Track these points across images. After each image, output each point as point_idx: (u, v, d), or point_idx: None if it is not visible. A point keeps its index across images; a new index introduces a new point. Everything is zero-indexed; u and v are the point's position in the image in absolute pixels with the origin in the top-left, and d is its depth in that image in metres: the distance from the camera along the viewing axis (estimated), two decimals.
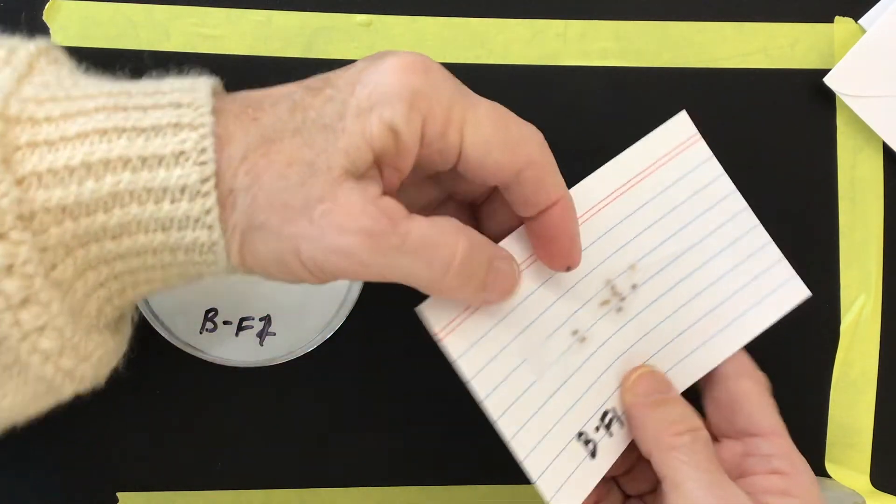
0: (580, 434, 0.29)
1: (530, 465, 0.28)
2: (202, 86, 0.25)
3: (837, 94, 0.37)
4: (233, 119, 0.24)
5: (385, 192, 0.24)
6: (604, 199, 0.30)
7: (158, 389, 0.36)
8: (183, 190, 0.23)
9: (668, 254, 0.31)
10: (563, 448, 0.29)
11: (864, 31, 0.38)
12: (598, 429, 0.30)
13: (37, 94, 0.23)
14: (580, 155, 0.37)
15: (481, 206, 0.30)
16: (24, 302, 0.22)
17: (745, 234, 0.32)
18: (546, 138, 0.38)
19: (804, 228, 0.38)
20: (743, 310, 0.31)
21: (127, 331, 0.28)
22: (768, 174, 0.38)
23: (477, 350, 0.28)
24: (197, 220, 0.23)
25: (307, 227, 0.23)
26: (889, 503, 0.37)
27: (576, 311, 0.29)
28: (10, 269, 0.22)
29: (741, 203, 0.32)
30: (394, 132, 0.23)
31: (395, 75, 0.24)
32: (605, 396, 0.30)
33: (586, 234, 0.29)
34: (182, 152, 0.23)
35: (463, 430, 0.36)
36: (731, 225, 0.31)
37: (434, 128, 0.24)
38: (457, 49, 0.37)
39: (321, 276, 0.24)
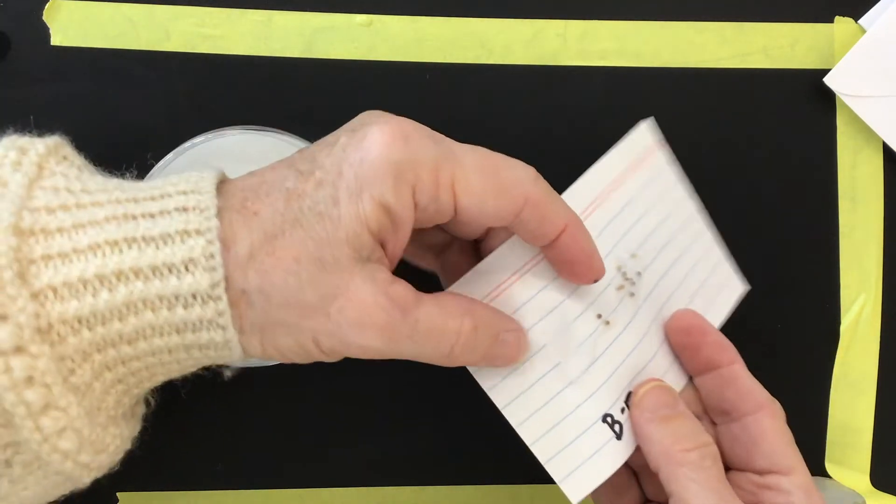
0: (606, 416, 0.30)
1: (538, 451, 0.29)
2: (206, 185, 0.25)
3: (837, 94, 0.37)
4: (235, 216, 0.25)
5: (391, 263, 0.26)
6: (590, 204, 0.31)
7: (158, 389, 0.36)
8: (195, 295, 0.24)
9: (653, 248, 0.32)
10: (585, 431, 0.29)
11: (864, 31, 0.38)
12: (623, 410, 0.30)
13: (48, 202, 0.24)
14: (580, 155, 0.37)
15: (485, 239, 0.31)
16: (45, 408, 0.23)
17: (695, 239, 0.33)
18: (546, 138, 0.38)
19: (804, 228, 0.38)
20: (703, 308, 0.33)
21: (141, 411, 0.29)
22: (768, 174, 0.38)
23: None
24: (210, 322, 0.24)
25: (325, 322, 0.24)
26: (889, 503, 0.37)
27: (598, 296, 0.30)
28: (30, 380, 0.23)
29: (691, 208, 0.33)
30: (386, 209, 0.24)
31: (376, 150, 0.24)
32: (629, 379, 0.30)
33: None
34: (191, 259, 0.24)
35: (463, 430, 0.36)
36: (685, 229, 0.33)
37: (425, 194, 0.25)
38: (457, 49, 0.37)
39: (338, 358, 0.26)
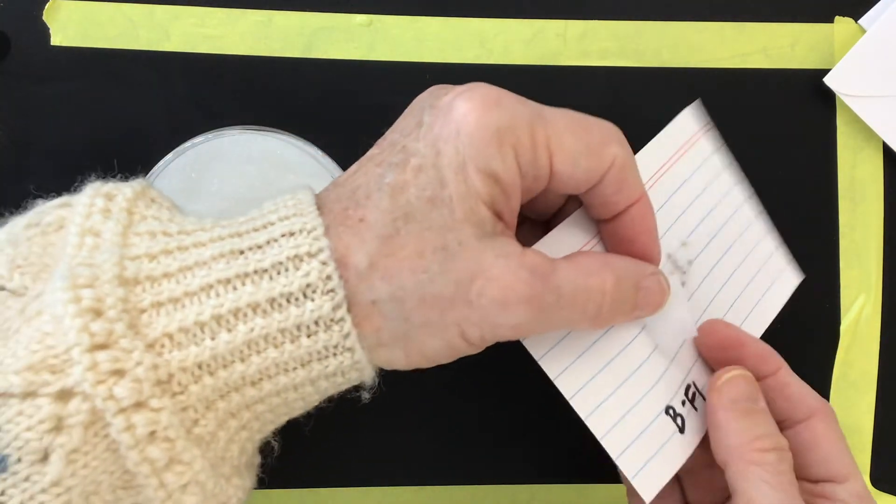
0: (668, 408, 0.28)
1: (609, 445, 0.27)
2: (307, 206, 0.24)
3: (837, 94, 0.37)
4: (342, 229, 0.23)
5: (510, 229, 0.24)
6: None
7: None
8: (317, 322, 0.23)
9: (703, 236, 0.31)
10: (650, 424, 0.28)
11: (864, 31, 0.38)
12: (683, 403, 0.29)
13: (148, 248, 0.23)
14: None
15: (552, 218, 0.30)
16: (168, 464, 0.22)
17: (745, 229, 0.32)
18: None
19: (804, 228, 0.38)
20: (755, 300, 0.32)
21: (258, 461, 0.28)
22: (768, 174, 0.38)
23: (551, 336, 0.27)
24: (337, 347, 0.23)
25: (468, 311, 0.23)
26: (889, 503, 0.37)
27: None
28: (152, 435, 0.22)
29: (744, 194, 0.32)
30: (494, 177, 0.23)
31: (472, 118, 0.23)
32: (686, 370, 0.29)
33: None
34: (308, 285, 0.23)
35: (463, 430, 0.36)
36: (736, 217, 0.32)
37: (525, 156, 0.23)
38: (457, 49, 0.37)
39: (484, 346, 0.24)
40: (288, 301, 0.22)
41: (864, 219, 0.38)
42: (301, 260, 0.23)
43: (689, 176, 0.31)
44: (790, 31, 0.38)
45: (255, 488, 0.36)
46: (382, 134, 0.37)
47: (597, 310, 0.25)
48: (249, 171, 0.34)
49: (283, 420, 0.26)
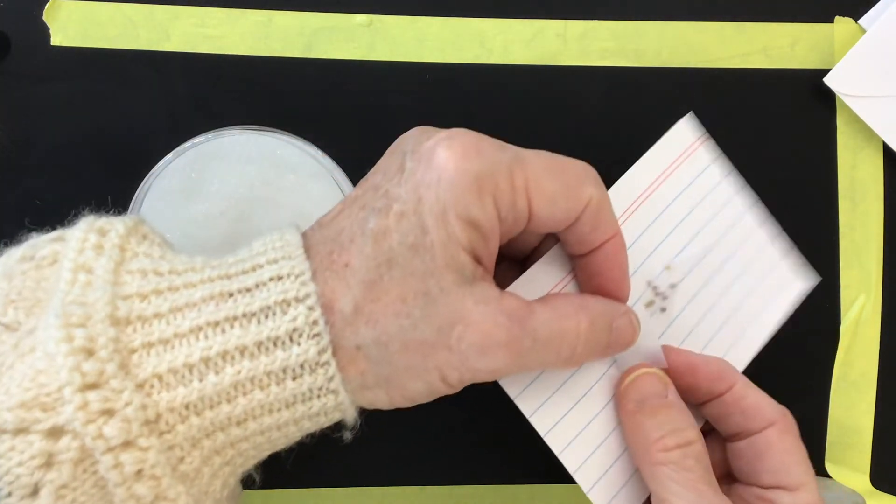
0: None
1: (581, 479, 0.28)
2: (294, 248, 0.25)
3: (837, 94, 0.37)
4: (328, 273, 0.24)
5: (489, 273, 0.25)
6: (629, 206, 0.30)
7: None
8: (303, 366, 0.23)
9: (694, 254, 0.31)
10: (619, 456, 0.28)
11: (864, 31, 0.38)
12: None
13: (139, 287, 0.24)
14: (580, 155, 0.37)
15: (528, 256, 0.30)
16: (154, 501, 0.23)
17: (745, 239, 0.32)
18: (546, 138, 0.38)
19: (804, 228, 0.38)
20: (759, 307, 0.32)
21: (240, 493, 0.28)
22: (768, 174, 0.38)
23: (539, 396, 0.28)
24: (321, 389, 0.24)
25: (448, 355, 0.24)
26: (889, 503, 0.37)
27: None
28: (139, 473, 0.22)
29: (747, 203, 0.32)
30: (474, 224, 0.23)
31: (452, 166, 0.23)
32: None
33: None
34: (295, 329, 0.23)
35: (463, 430, 0.36)
36: (736, 227, 0.32)
37: (504, 202, 0.24)
38: (457, 49, 0.37)
39: (461, 387, 0.25)
40: (275, 345, 0.23)
41: (864, 219, 0.38)
42: (288, 305, 0.23)
43: (684, 189, 0.31)
44: (790, 31, 0.38)
45: (255, 489, 0.36)
46: (382, 134, 0.37)
47: (571, 351, 0.25)
48: (249, 171, 0.34)
49: (265, 455, 0.26)
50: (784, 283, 0.32)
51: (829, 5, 0.38)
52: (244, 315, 0.23)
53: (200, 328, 0.23)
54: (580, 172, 0.25)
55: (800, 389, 0.38)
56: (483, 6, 0.37)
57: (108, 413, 0.22)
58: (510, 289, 0.27)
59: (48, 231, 0.28)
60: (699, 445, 0.27)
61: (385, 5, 0.37)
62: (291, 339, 0.23)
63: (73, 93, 0.36)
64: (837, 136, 0.38)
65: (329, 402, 0.24)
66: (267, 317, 0.23)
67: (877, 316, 0.38)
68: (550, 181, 0.24)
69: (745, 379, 0.29)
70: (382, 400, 0.25)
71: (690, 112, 0.32)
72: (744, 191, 0.32)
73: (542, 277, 0.28)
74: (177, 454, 0.23)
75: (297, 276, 0.24)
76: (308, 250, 0.25)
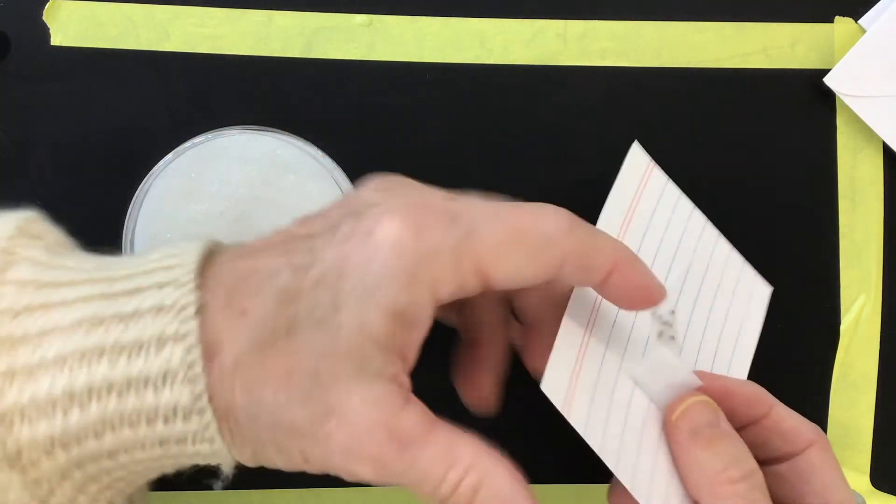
0: None
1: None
2: (186, 270, 0.22)
3: (837, 94, 0.37)
4: (220, 315, 0.22)
5: (405, 364, 0.23)
6: None
7: None
8: (175, 410, 0.21)
9: (678, 276, 0.31)
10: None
11: (864, 31, 0.38)
12: None
13: (13, 303, 0.22)
14: (580, 155, 0.37)
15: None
16: None
17: (713, 252, 0.32)
18: (546, 138, 0.38)
19: (804, 228, 0.38)
20: (741, 317, 0.32)
21: (144, 497, 0.26)
22: (768, 174, 0.38)
23: (589, 410, 0.27)
24: (195, 435, 0.22)
25: (313, 446, 0.22)
26: (889, 503, 0.37)
27: (644, 353, 0.29)
28: None
29: (701, 219, 0.32)
30: (398, 314, 0.21)
31: (385, 251, 0.21)
32: None
33: None
34: (168, 370, 0.21)
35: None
36: (703, 242, 0.32)
37: (447, 287, 0.22)
38: (457, 49, 0.37)
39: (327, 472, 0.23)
40: (145, 385, 0.21)
41: (864, 219, 0.38)
42: (165, 343, 0.21)
43: (651, 215, 0.31)
44: (790, 31, 0.38)
45: (255, 489, 0.36)
46: (382, 134, 0.37)
47: (435, 500, 0.23)
48: (249, 171, 0.34)
49: (152, 477, 0.24)
50: (753, 290, 0.33)
51: (829, 5, 0.38)
52: (114, 347, 0.21)
53: (65, 358, 0.21)
54: (547, 232, 0.22)
55: (800, 389, 0.38)
56: (483, 6, 0.37)
57: None
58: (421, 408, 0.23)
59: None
60: (760, 474, 0.26)
61: (385, 5, 0.37)
62: (164, 380, 0.21)
63: (73, 93, 0.35)
64: (837, 136, 0.38)
65: (204, 449, 0.22)
66: (139, 353, 0.21)
67: (877, 316, 0.38)
68: (510, 252, 0.22)
69: (779, 402, 0.29)
70: (248, 460, 0.23)
71: (636, 141, 0.32)
72: (695, 213, 0.32)
73: (566, 353, 0.26)
74: (44, 488, 0.22)
75: (180, 310, 0.21)
76: (211, 279, 0.22)
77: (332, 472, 0.23)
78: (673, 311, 0.30)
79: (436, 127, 0.37)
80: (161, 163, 0.34)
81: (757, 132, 0.38)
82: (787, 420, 0.28)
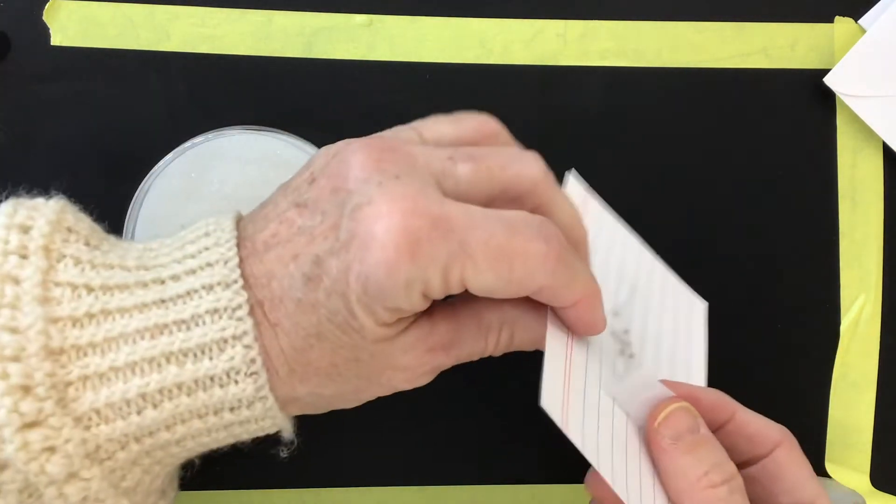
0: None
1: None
2: (230, 269, 0.24)
3: (837, 94, 0.37)
4: (262, 326, 0.24)
5: (426, 304, 0.24)
6: None
7: None
8: (241, 401, 0.24)
9: (626, 296, 0.31)
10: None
11: (864, 31, 0.38)
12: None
13: (72, 310, 0.23)
14: (580, 155, 0.37)
15: None
16: None
17: (651, 273, 0.32)
18: (546, 138, 0.38)
19: (804, 228, 0.38)
20: (686, 333, 0.32)
21: (175, 485, 0.29)
22: (768, 174, 0.38)
23: (582, 423, 0.27)
24: (258, 417, 0.25)
25: (378, 390, 0.26)
26: (889, 503, 0.37)
27: (613, 373, 0.29)
28: (84, 500, 0.23)
29: (637, 243, 0.33)
30: (399, 310, 0.23)
31: (383, 270, 0.22)
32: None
33: None
34: (232, 367, 0.23)
35: (463, 430, 0.36)
36: (642, 265, 0.32)
37: (435, 289, 0.23)
38: (457, 49, 0.37)
39: None
40: (212, 381, 0.23)
41: (864, 219, 0.38)
42: (226, 342, 0.23)
43: (594, 240, 0.31)
44: (790, 31, 0.38)
45: (256, 489, 0.36)
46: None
47: (492, 349, 0.27)
48: (249, 171, 0.34)
49: (211, 448, 0.27)
50: (690, 307, 0.33)
51: (829, 5, 0.38)
52: (181, 351, 0.23)
53: (136, 363, 0.23)
54: (532, 268, 0.23)
55: (800, 389, 0.38)
56: (483, 6, 0.37)
57: (50, 450, 0.22)
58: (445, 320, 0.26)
59: None
60: (740, 479, 0.26)
61: (385, 5, 0.37)
62: (229, 377, 0.23)
63: (73, 93, 0.35)
64: (837, 136, 0.38)
65: (267, 425, 0.25)
66: (204, 353, 0.23)
67: (877, 316, 0.38)
68: (492, 275, 0.23)
69: (741, 406, 0.29)
70: (309, 413, 0.27)
71: (572, 170, 0.32)
72: (630, 238, 0.33)
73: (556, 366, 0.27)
74: (118, 475, 0.24)
75: (234, 310, 0.24)
76: (245, 274, 0.24)
77: (398, 390, 0.27)
78: (627, 331, 0.30)
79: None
80: (161, 163, 0.34)
81: (757, 132, 0.38)
82: (751, 423, 0.29)
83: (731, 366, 0.37)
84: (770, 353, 0.38)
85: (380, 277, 0.22)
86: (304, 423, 0.37)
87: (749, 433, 0.28)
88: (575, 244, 0.26)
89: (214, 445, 0.26)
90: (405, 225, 0.22)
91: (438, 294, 0.23)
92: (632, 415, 0.28)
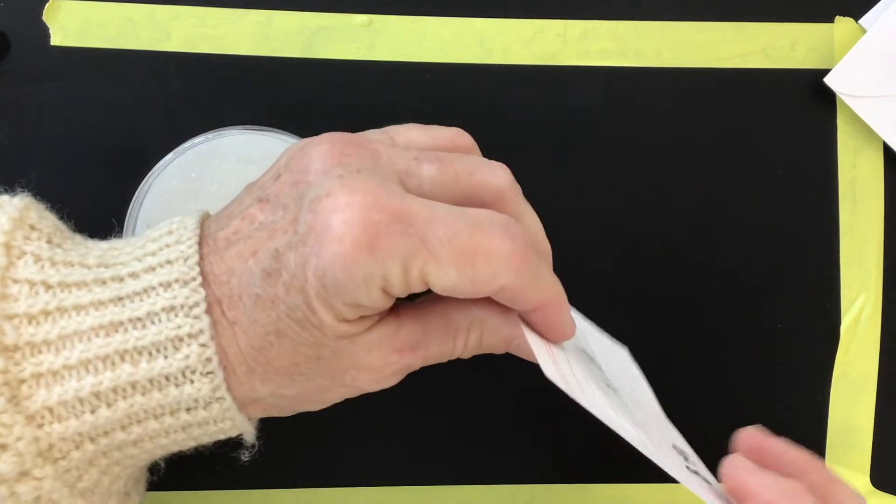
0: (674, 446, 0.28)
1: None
2: (189, 267, 0.24)
3: (837, 94, 0.37)
4: (219, 325, 0.24)
5: (384, 308, 0.24)
6: None
7: None
8: (197, 401, 0.23)
9: (580, 335, 0.31)
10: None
11: (864, 31, 0.38)
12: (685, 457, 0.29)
13: (28, 307, 0.23)
14: (580, 155, 0.37)
15: None
16: None
17: (582, 334, 0.32)
18: (546, 138, 0.38)
19: (804, 228, 0.38)
20: (638, 376, 0.32)
21: (146, 475, 0.29)
22: (768, 174, 0.38)
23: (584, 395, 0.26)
24: (216, 418, 0.24)
25: (344, 390, 0.26)
26: (889, 503, 0.37)
27: (604, 399, 0.28)
28: (37, 500, 0.23)
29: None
30: (359, 306, 0.23)
31: (339, 264, 0.21)
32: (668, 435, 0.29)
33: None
34: (187, 367, 0.23)
35: (462, 430, 0.36)
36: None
37: (395, 285, 0.23)
38: (457, 49, 0.37)
39: None
40: (167, 380, 0.23)
41: (864, 219, 0.38)
42: (181, 341, 0.23)
43: None
44: (790, 31, 0.38)
45: (256, 489, 0.36)
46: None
47: (459, 352, 0.26)
48: (249, 171, 0.34)
49: (174, 450, 0.26)
50: (621, 353, 0.33)
51: (829, 5, 0.38)
52: (136, 349, 0.23)
53: (90, 361, 0.23)
54: (494, 268, 0.23)
55: (800, 389, 0.38)
56: (483, 6, 0.37)
57: (1, 448, 0.22)
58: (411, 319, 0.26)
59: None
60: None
61: (385, 5, 0.37)
62: (184, 376, 0.23)
63: (73, 93, 0.35)
64: (837, 136, 0.38)
65: (226, 426, 0.25)
66: (159, 352, 0.23)
67: (877, 316, 0.38)
68: (455, 273, 0.22)
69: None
70: (272, 415, 0.26)
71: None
72: None
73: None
74: (73, 475, 0.23)
75: (190, 308, 0.23)
76: (204, 272, 0.24)
77: (365, 392, 0.26)
78: (601, 367, 0.30)
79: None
80: (161, 163, 0.34)
81: (757, 132, 0.38)
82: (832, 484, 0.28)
83: (731, 366, 0.37)
84: (770, 353, 0.38)
85: (336, 272, 0.22)
86: (300, 422, 0.37)
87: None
88: (540, 255, 0.25)
89: (174, 448, 0.25)
90: (364, 218, 0.21)
91: (400, 291, 0.23)
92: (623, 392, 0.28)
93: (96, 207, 0.35)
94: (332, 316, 0.23)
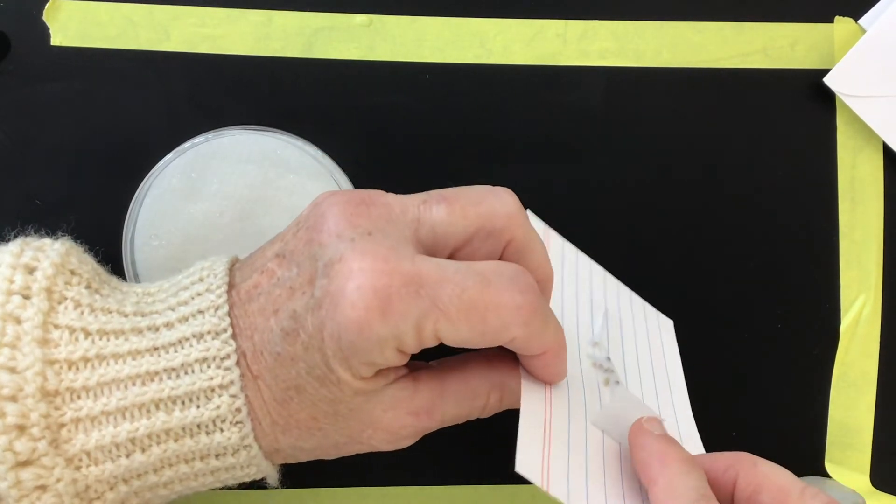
0: None
1: None
2: (219, 318, 0.25)
3: (837, 94, 0.37)
4: (245, 379, 0.25)
5: (402, 363, 0.25)
6: None
7: None
8: (226, 448, 0.25)
9: (601, 324, 0.31)
10: None
11: (864, 31, 0.38)
12: None
13: (69, 353, 0.24)
14: (580, 155, 0.37)
15: None
16: None
17: (618, 297, 0.33)
18: (545, 138, 0.38)
19: (804, 228, 0.38)
20: (661, 352, 0.32)
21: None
22: (768, 174, 0.38)
23: (566, 481, 0.26)
24: (244, 464, 0.26)
25: (359, 447, 0.27)
26: (889, 503, 0.37)
27: (601, 399, 0.29)
28: None
29: (599, 269, 0.33)
30: (375, 364, 0.24)
31: (354, 329, 0.23)
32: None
33: None
34: (218, 416, 0.24)
35: (463, 429, 0.36)
36: (608, 291, 0.33)
37: (409, 344, 0.23)
38: (457, 49, 0.37)
39: None
40: (199, 428, 0.24)
41: (864, 219, 0.38)
42: (213, 391, 0.24)
43: (561, 273, 0.31)
44: (790, 31, 0.38)
45: (256, 489, 0.36)
46: (382, 134, 0.37)
47: (478, 412, 0.27)
48: (249, 171, 0.34)
49: (198, 491, 0.27)
50: (660, 325, 0.33)
51: (829, 5, 0.38)
52: (170, 398, 0.24)
53: (127, 408, 0.24)
54: (505, 322, 0.23)
55: (800, 389, 0.38)
56: (483, 6, 0.37)
57: (42, 489, 0.23)
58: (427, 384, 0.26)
59: (47, 232, 0.28)
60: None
61: (385, 5, 0.37)
62: (215, 424, 0.24)
63: (73, 93, 0.35)
64: (837, 136, 0.38)
65: (252, 472, 0.26)
66: (192, 401, 0.24)
67: (877, 316, 0.38)
68: (466, 329, 0.23)
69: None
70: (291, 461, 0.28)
71: (528, 211, 0.32)
72: (594, 266, 0.33)
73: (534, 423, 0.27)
74: None
75: (221, 360, 0.24)
76: (234, 328, 0.25)
77: (380, 451, 0.27)
78: (609, 359, 0.30)
79: (436, 127, 0.37)
80: (161, 163, 0.34)
81: (757, 132, 0.38)
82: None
83: (731, 366, 0.37)
84: (770, 353, 0.38)
85: (352, 335, 0.23)
86: None
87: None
88: (543, 282, 0.27)
89: (202, 488, 0.26)
90: (375, 283, 0.22)
91: (413, 349, 0.24)
92: (623, 445, 0.28)
93: (96, 207, 0.35)
94: (349, 374, 0.24)
